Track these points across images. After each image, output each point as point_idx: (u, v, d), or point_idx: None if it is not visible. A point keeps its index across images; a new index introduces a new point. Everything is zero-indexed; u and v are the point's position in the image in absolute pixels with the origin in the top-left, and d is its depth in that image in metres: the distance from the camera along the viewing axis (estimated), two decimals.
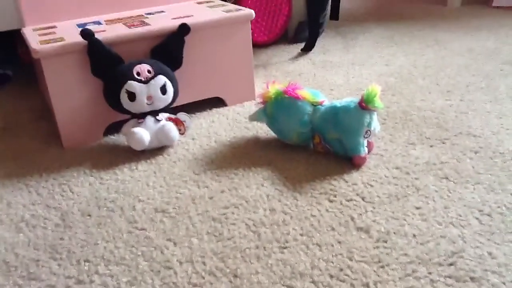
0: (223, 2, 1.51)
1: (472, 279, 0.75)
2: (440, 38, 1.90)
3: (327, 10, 1.97)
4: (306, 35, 1.89)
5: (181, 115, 1.22)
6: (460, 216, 0.89)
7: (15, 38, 1.75)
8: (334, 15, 2.02)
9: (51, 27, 1.32)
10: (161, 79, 1.18)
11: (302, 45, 1.88)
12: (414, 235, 0.86)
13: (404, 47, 1.83)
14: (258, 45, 1.90)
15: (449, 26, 2.06)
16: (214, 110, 1.39)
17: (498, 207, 0.91)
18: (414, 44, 1.85)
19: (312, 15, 1.85)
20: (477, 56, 1.68)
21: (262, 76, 1.62)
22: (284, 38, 2.00)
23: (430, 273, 0.77)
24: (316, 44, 1.86)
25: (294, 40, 1.97)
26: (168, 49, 1.25)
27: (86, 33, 1.15)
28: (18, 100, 1.58)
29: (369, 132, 1.07)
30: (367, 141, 1.09)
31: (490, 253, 0.80)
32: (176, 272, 0.81)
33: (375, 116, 1.08)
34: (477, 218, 0.89)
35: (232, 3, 1.61)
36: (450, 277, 0.76)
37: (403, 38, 1.94)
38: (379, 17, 2.28)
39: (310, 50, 1.84)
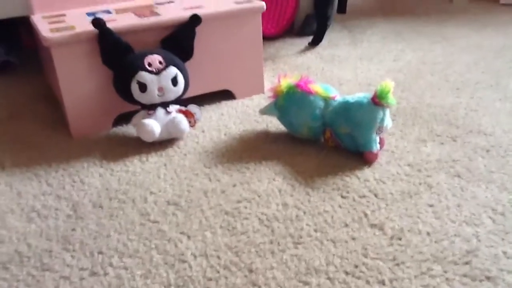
0: None
1: (488, 278, 0.76)
2: (447, 35, 1.90)
3: (335, 3, 1.95)
4: (313, 28, 1.88)
5: (192, 107, 1.21)
6: (474, 214, 0.90)
7: (18, 25, 1.73)
8: (342, 9, 2.01)
9: (61, 15, 1.31)
10: (173, 70, 1.17)
11: (309, 38, 1.87)
12: (428, 233, 0.86)
13: (412, 42, 1.83)
14: (265, 38, 1.87)
15: (456, 22, 2.05)
16: (223, 102, 1.38)
17: None
18: (422, 40, 1.85)
19: (319, 8, 1.84)
20: (486, 54, 1.67)
21: (270, 70, 1.61)
22: (291, 31, 1.99)
23: (445, 271, 0.77)
24: (324, 38, 1.85)
25: (301, 33, 1.96)
26: (179, 40, 1.24)
27: (98, 22, 1.14)
28: (22, 87, 1.57)
29: (381, 128, 1.06)
30: (379, 137, 1.09)
31: (504, 253, 0.80)
32: (191, 265, 0.81)
33: (387, 112, 1.07)
34: (490, 217, 0.89)
35: None
36: (465, 276, 0.76)
37: (410, 33, 1.93)
38: (386, 12, 2.27)
39: (318, 44, 1.83)
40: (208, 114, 1.32)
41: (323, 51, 1.78)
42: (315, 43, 1.83)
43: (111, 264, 0.82)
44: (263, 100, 1.38)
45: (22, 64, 1.72)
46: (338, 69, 1.60)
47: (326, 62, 1.67)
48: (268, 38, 1.91)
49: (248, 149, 1.15)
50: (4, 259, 0.84)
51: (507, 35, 1.85)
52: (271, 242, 0.85)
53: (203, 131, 1.23)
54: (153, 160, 1.12)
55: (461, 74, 1.51)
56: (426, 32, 1.94)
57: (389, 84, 1.04)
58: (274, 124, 1.24)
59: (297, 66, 1.65)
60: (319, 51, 1.78)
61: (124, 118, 1.26)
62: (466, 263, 0.79)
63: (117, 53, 1.17)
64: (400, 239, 0.85)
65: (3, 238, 0.90)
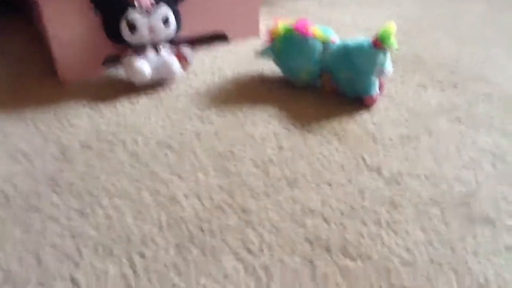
0: None
1: (485, 220, 0.74)
2: None
3: None
4: None
5: (184, 49, 1.16)
6: (473, 159, 0.87)
7: None
8: None
9: None
10: (164, 9, 1.11)
11: None
12: (427, 177, 0.84)
13: None
14: None
15: None
16: (217, 45, 1.33)
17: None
18: None
19: None
20: (490, 5, 1.61)
21: (266, 14, 1.55)
22: None
23: (443, 214, 0.76)
24: None
25: None
26: None
27: None
28: (7, 28, 1.50)
29: (381, 70, 1.02)
30: (379, 80, 1.05)
31: (503, 196, 0.79)
32: (183, 206, 0.79)
33: (388, 56, 1.03)
34: (490, 162, 0.87)
35: None
36: (463, 218, 0.75)
37: None
38: None
39: None
40: (200, 57, 1.27)
41: None
42: None
43: (100, 205, 0.80)
44: (258, 43, 1.33)
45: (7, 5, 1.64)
46: (337, 14, 1.54)
47: (325, 7, 1.60)
48: None
49: (243, 93, 1.11)
50: None
51: None
52: (266, 185, 0.83)
53: (195, 74, 1.19)
54: (144, 102, 1.08)
55: (465, 24, 1.46)
56: None
57: (391, 26, 1.00)
58: (269, 67, 1.20)
59: (294, 10, 1.58)
60: None
61: (114, 60, 1.21)
62: (465, 205, 0.77)
63: None
64: (398, 183, 0.83)
65: None
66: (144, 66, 1.09)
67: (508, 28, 1.43)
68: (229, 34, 1.34)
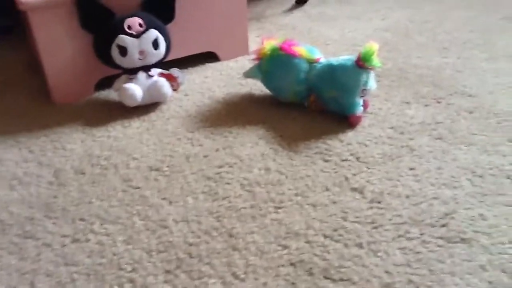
0: None
1: (462, 240, 0.77)
2: None
3: None
4: None
5: (174, 71, 1.19)
6: (453, 177, 0.90)
7: None
8: None
9: None
10: (153, 33, 1.15)
11: None
12: (407, 196, 0.87)
13: (401, 0, 1.79)
14: None
15: None
16: (207, 65, 1.36)
17: (490, 168, 0.92)
18: None
19: None
20: (477, 11, 1.64)
21: (255, 30, 1.58)
22: None
23: (422, 234, 0.79)
24: None
25: None
26: (160, 2, 1.20)
27: None
28: (6, 52, 1.53)
29: (365, 91, 1.06)
30: (363, 100, 1.08)
31: (481, 215, 0.81)
32: (172, 231, 0.82)
33: (371, 75, 1.06)
34: (469, 180, 0.89)
35: None
36: (441, 238, 0.78)
37: None
38: None
39: (305, 2, 1.79)
40: (191, 77, 1.30)
41: (311, 10, 1.74)
42: (302, 1, 1.79)
43: (92, 231, 0.83)
44: (247, 62, 1.36)
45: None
46: (325, 28, 1.58)
47: (314, 21, 1.63)
48: None
49: (232, 113, 1.14)
50: None
51: None
52: (252, 207, 0.86)
53: (186, 95, 1.22)
54: (136, 125, 1.11)
55: (449, 33, 1.49)
56: None
57: (373, 46, 1.02)
58: (258, 87, 1.23)
59: (283, 26, 1.61)
60: (307, 9, 1.75)
61: (107, 83, 1.24)
62: (443, 225, 0.80)
63: (96, 17, 1.14)
64: (379, 202, 0.86)
65: None
66: (135, 89, 1.12)
67: (488, 32, 1.45)
68: (219, 54, 1.37)
